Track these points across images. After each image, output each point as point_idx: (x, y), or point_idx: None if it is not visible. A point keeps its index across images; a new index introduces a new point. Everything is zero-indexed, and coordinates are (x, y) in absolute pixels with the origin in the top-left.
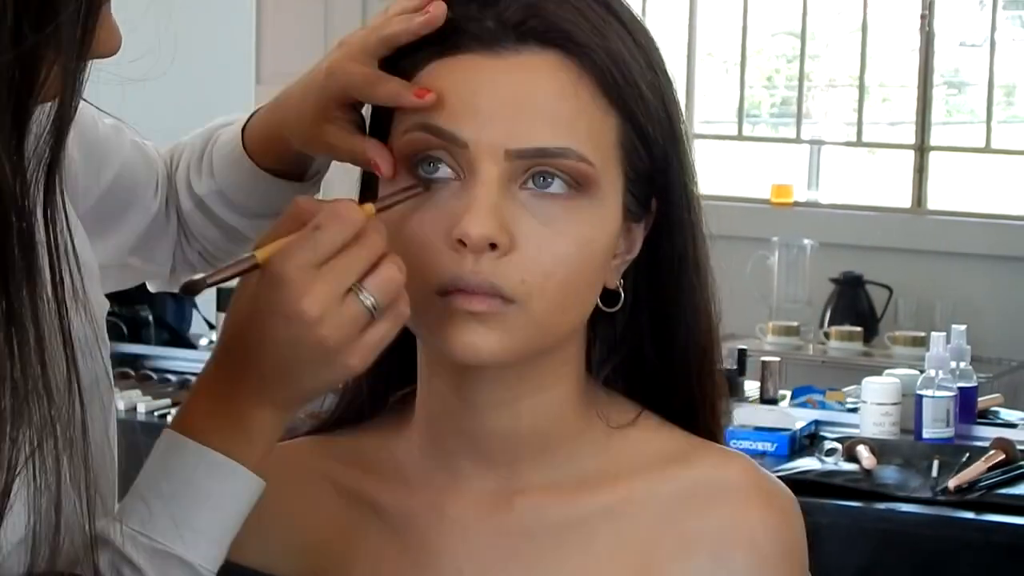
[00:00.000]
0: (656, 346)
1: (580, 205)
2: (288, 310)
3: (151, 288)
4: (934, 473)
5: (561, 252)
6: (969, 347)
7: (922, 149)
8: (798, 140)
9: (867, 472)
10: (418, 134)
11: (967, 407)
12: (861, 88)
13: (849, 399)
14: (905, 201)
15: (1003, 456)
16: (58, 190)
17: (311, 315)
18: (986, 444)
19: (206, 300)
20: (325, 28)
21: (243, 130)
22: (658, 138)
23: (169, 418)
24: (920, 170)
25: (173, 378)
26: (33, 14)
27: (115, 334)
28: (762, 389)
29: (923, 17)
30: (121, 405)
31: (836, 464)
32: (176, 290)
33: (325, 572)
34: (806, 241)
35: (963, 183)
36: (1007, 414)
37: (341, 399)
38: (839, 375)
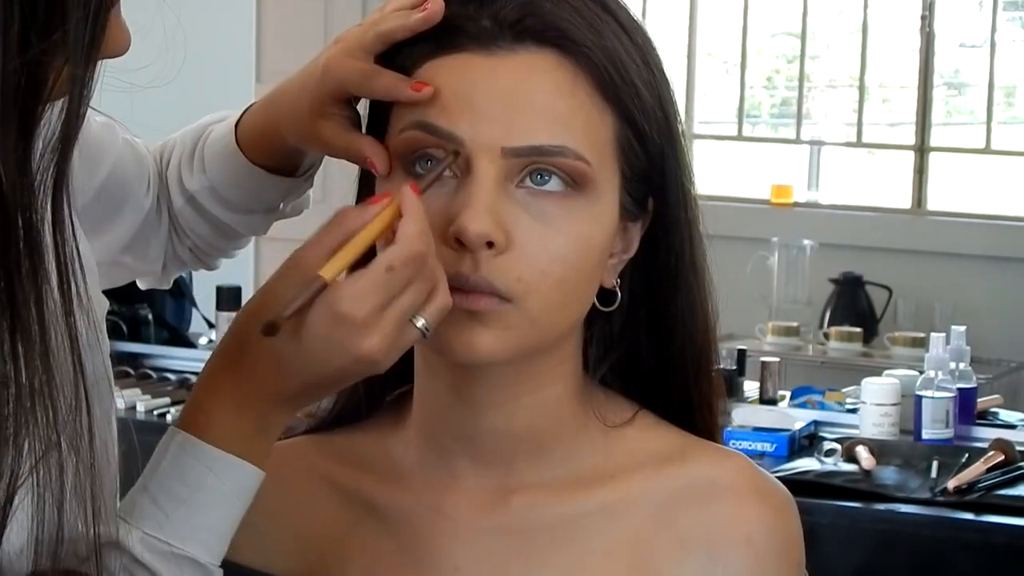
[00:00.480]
0: (653, 345)
1: (576, 203)
2: (354, 351)
3: (141, 285)
4: (933, 474)
5: (558, 250)
6: (968, 348)
7: (922, 150)
8: (798, 141)
9: (866, 473)
10: (415, 132)
11: (966, 408)
12: (861, 89)
13: (848, 400)
14: (905, 202)
15: (1002, 457)
16: (65, 196)
17: (377, 358)
18: (985, 445)
19: (206, 299)
20: (325, 28)
21: (236, 126)
22: (655, 137)
23: (169, 417)
24: (920, 171)
25: (172, 377)
26: (41, 21)
27: (115, 333)
28: (761, 389)
29: (923, 18)
30: (120, 404)
31: (835, 465)
32: (167, 286)
33: (322, 571)
34: (806, 242)
35: (963, 184)
36: (1006, 415)
37: (338, 398)
38: (838, 376)
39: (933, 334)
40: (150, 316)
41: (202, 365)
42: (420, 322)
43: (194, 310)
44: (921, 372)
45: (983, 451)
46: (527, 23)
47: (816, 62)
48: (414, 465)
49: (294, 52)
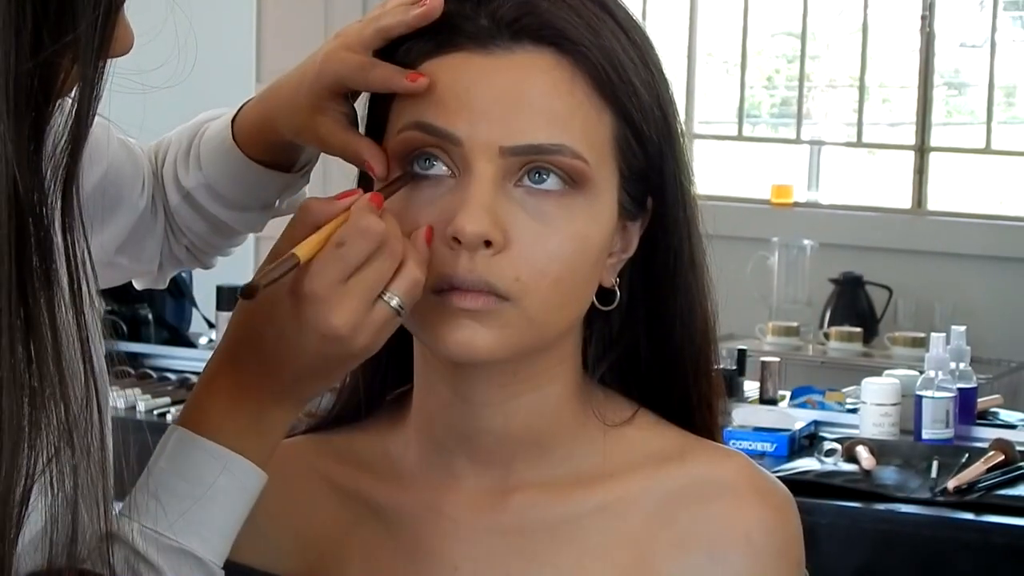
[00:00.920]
0: (652, 344)
1: (575, 202)
2: (321, 327)
3: (138, 286)
4: (933, 474)
5: (555, 249)
6: (969, 348)
7: (922, 150)
8: (798, 141)
9: (866, 473)
10: (413, 132)
11: (966, 408)
12: (861, 89)
13: (848, 400)
14: (905, 202)
15: (1002, 457)
16: (75, 197)
17: (343, 332)
18: (985, 445)
19: (206, 299)
20: (325, 28)
21: (233, 122)
22: (653, 136)
23: (169, 417)
24: (920, 171)
25: (172, 377)
26: (52, 23)
27: (115, 333)
28: (762, 389)
29: (923, 18)
30: (120, 404)
31: (835, 464)
32: (163, 286)
33: (321, 570)
34: (806, 242)
35: (963, 184)
36: (1006, 415)
37: (338, 398)
38: (839, 376)
39: (933, 334)
40: (150, 316)
41: (202, 365)
42: (394, 300)
43: (194, 310)
44: (921, 372)
45: (983, 451)
46: (525, 22)
47: (816, 62)
48: (413, 465)
49: (294, 52)
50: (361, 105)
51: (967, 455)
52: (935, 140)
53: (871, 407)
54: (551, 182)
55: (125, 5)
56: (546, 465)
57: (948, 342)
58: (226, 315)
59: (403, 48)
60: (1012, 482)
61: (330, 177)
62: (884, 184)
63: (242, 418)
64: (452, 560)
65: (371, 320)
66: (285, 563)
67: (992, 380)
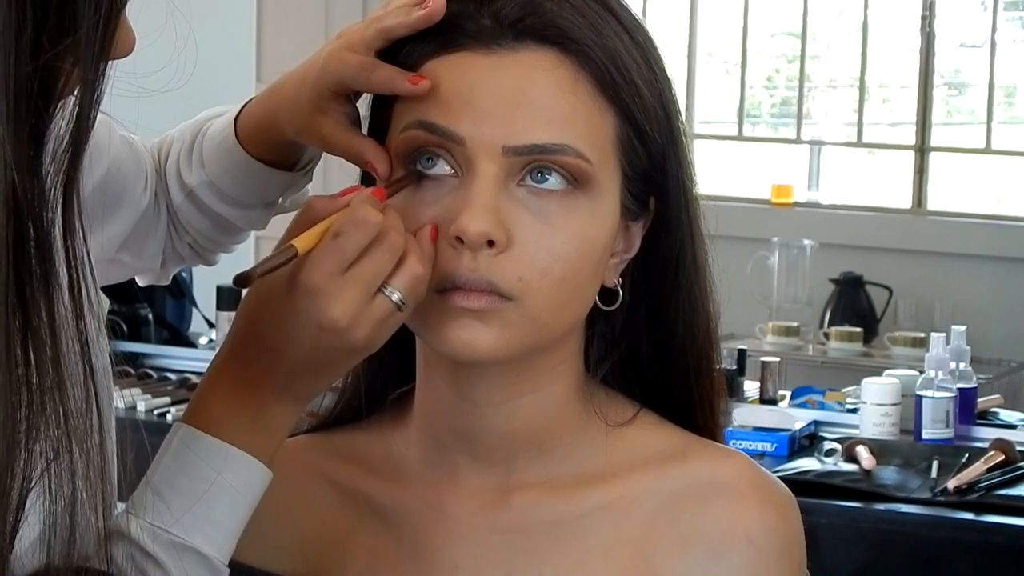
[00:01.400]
0: (654, 344)
1: (577, 202)
2: (320, 319)
3: (141, 283)
4: (933, 474)
5: (558, 249)
6: (969, 348)
7: (922, 150)
8: (798, 140)
9: (866, 472)
10: (416, 131)
11: (967, 408)
12: (861, 89)
13: (849, 400)
14: (905, 202)
15: (1002, 457)
16: (76, 199)
17: (342, 324)
18: (985, 445)
19: (206, 299)
20: (325, 28)
21: (236, 120)
22: (656, 136)
23: (169, 417)
24: (920, 171)
25: (173, 376)
26: (53, 26)
27: (115, 333)
28: (762, 389)
29: (924, 18)
30: (121, 404)
31: (835, 464)
32: (166, 283)
33: (322, 569)
34: (806, 241)
35: (963, 184)
36: (1007, 415)
37: (340, 397)
38: (839, 376)
39: (933, 334)
40: (150, 316)
41: (202, 365)
42: (395, 295)
43: (194, 310)
44: (921, 372)
45: (983, 451)
46: (528, 22)
47: (816, 62)
48: (415, 464)
49: (294, 52)
50: (364, 104)
51: (967, 455)
52: (935, 140)
53: (871, 407)
54: (554, 181)
55: (127, 7)
56: (548, 464)
57: (948, 342)
58: (226, 315)
59: (406, 49)
60: (1012, 482)
61: (331, 176)
62: (884, 184)
63: (245, 414)
64: (453, 558)
65: (370, 313)
66: (286, 562)
67: (992, 380)
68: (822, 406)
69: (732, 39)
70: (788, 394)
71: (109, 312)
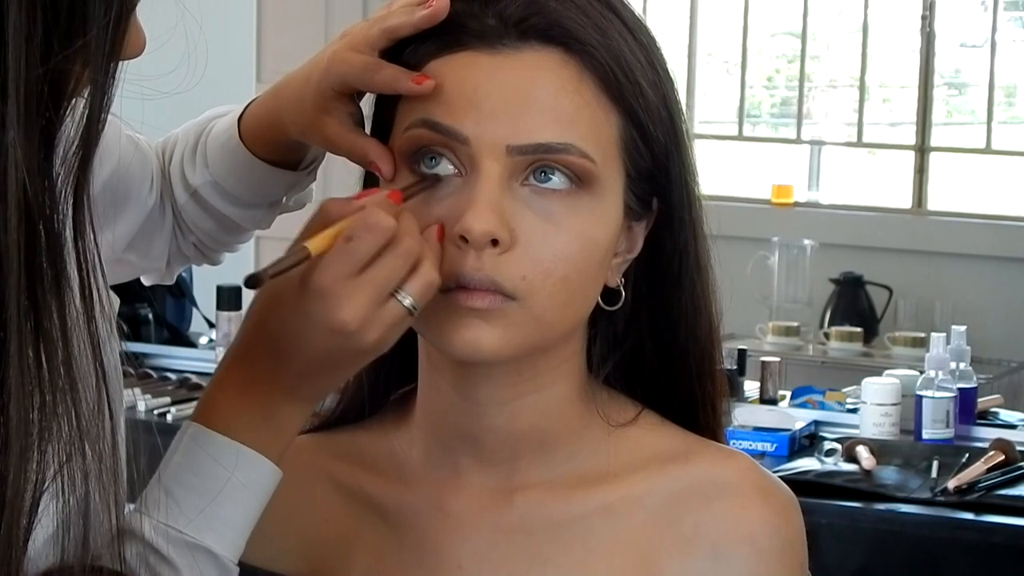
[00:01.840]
0: (656, 345)
1: (581, 201)
2: (330, 322)
3: (146, 282)
4: (933, 474)
5: (562, 248)
6: (969, 348)
7: (923, 150)
8: (798, 140)
9: (866, 472)
10: (420, 130)
11: (967, 408)
12: (862, 89)
13: (849, 399)
14: (905, 202)
15: (1002, 457)
16: (86, 201)
17: (352, 327)
18: (985, 445)
19: (206, 299)
20: (325, 28)
21: (239, 119)
22: (659, 136)
23: (170, 417)
24: (920, 171)
25: (173, 376)
26: (63, 29)
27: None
28: (762, 389)
29: (924, 18)
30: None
31: (836, 464)
32: (171, 282)
33: (325, 569)
34: (806, 241)
35: (963, 184)
36: (1007, 415)
37: (342, 397)
38: (839, 375)
39: (933, 334)
40: (150, 315)
41: (203, 365)
42: (407, 300)
43: (194, 310)
44: (921, 372)
45: (983, 451)
46: (532, 22)
47: (816, 62)
48: (417, 463)
49: (294, 52)
50: (367, 104)
51: (967, 455)
52: (935, 140)
53: (871, 407)
54: (557, 181)
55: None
56: (550, 465)
57: (948, 342)
58: (226, 315)
59: (409, 48)
60: (1012, 482)
61: (331, 175)
62: (884, 184)
63: (254, 414)
64: (456, 559)
65: (381, 317)
66: (289, 562)
67: (992, 380)
68: (822, 406)
69: (732, 39)
70: (788, 394)
71: None
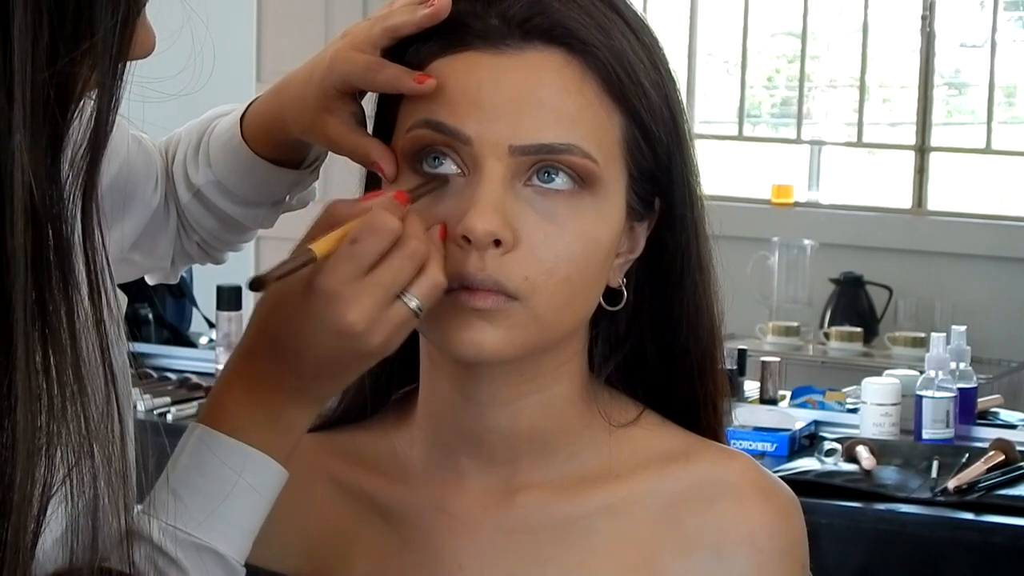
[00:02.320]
0: (658, 345)
1: (583, 202)
2: (337, 324)
3: (150, 281)
4: (933, 474)
5: (564, 248)
6: (969, 348)
7: (923, 150)
8: (799, 140)
9: (867, 472)
10: (422, 130)
11: (967, 408)
12: (862, 89)
13: (849, 399)
14: (905, 202)
15: (1002, 457)
16: (94, 205)
17: (358, 328)
18: (986, 445)
19: (206, 299)
20: (325, 28)
21: (242, 119)
22: (662, 136)
23: (170, 417)
24: (920, 171)
25: (173, 376)
26: (69, 32)
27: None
28: (762, 389)
29: (924, 18)
30: (141, 406)
31: (836, 464)
32: (175, 281)
33: (326, 570)
34: (806, 241)
35: (963, 184)
36: (1007, 415)
37: (343, 397)
38: (839, 375)
39: (933, 334)
40: (150, 316)
41: (203, 365)
42: (413, 303)
43: (194, 310)
44: (921, 372)
45: (983, 451)
46: (535, 22)
47: (816, 62)
48: (419, 463)
49: (294, 52)
50: (369, 103)
51: (967, 455)
52: (935, 140)
53: (871, 407)
54: (560, 181)
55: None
56: (552, 465)
57: (948, 342)
58: (226, 315)
59: (412, 48)
60: (1012, 482)
61: (332, 175)
62: (884, 184)
63: (260, 415)
64: (457, 559)
65: (388, 319)
66: (289, 562)
67: (992, 380)
68: (822, 406)
69: (732, 39)
70: (788, 394)
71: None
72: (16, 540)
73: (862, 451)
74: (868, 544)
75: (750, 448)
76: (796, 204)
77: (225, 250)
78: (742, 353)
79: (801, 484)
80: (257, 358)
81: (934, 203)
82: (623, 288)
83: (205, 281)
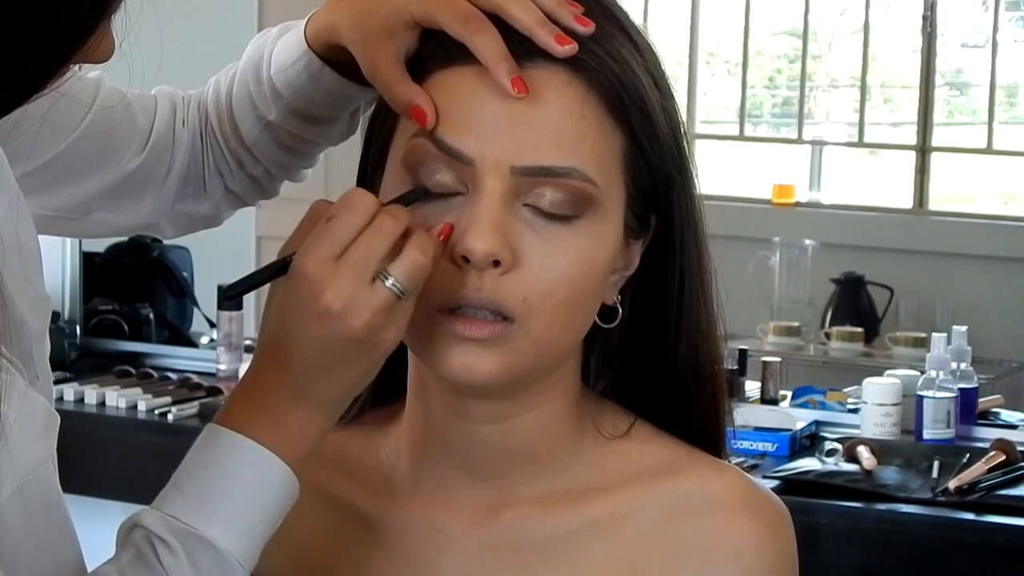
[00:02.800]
0: (654, 359)
1: (582, 223)
2: (315, 305)
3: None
4: (934, 474)
5: (563, 269)
6: (970, 348)
7: (924, 150)
8: (800, 140)
9: (867, 473)
10: (423, 142)
11: (968, 408)
12: (863, 89)
13: (850, 400)
14: (907, 202)
15: (1003, 457)
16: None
17: (335, 308)
18: (986, 445)
19: (206, 299)
20: None
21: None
22: (662, 156)
23: (170, 417)
24: (922, 171)
25: (174, 376)
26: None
27: (116, 332)
28: (763, 389)
29: (925, 18)
30: (123, 403)
31: (836, 464)
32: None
33: None
34: (807, 241)
35: (965, 184)
36: (1008, 415)
37: None
38: (840, 376)
39: (934, 334)
40: (151, 315)
41: (204, 365)
42: (389, 280)
43: (195, 309)
44: (922, 372)
45: (984, 451)
46: None
47: (818, 62)
48: (405, 476)
49: None
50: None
51: (968, 455)
52: (937, 140)
53: (872, 407)
54: (559, 203)
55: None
56: (541, 480)
57: (949, 342)
58: (227, 315)
59: (416, 57)
60: (1013, 482)
61: (331, 176)
62: (886, 184)
63: (259, 413)
64: (443, 574)
65: (366, 299)
66: (272, 568)
67: (993, 380)
68: (823, 406)
69: (733, 39)
70: (789, 394)
71: (110, 311)
72: None
73: (863, 451)
74: (869, 544)
75: (751, 448)
76: (797, 204)
77: (283, 179)
78: (743, 353)
79: (802, 484)
80: (258, 358)
81: (935, 203)
82: (618, 305)
83: (205, 281)
